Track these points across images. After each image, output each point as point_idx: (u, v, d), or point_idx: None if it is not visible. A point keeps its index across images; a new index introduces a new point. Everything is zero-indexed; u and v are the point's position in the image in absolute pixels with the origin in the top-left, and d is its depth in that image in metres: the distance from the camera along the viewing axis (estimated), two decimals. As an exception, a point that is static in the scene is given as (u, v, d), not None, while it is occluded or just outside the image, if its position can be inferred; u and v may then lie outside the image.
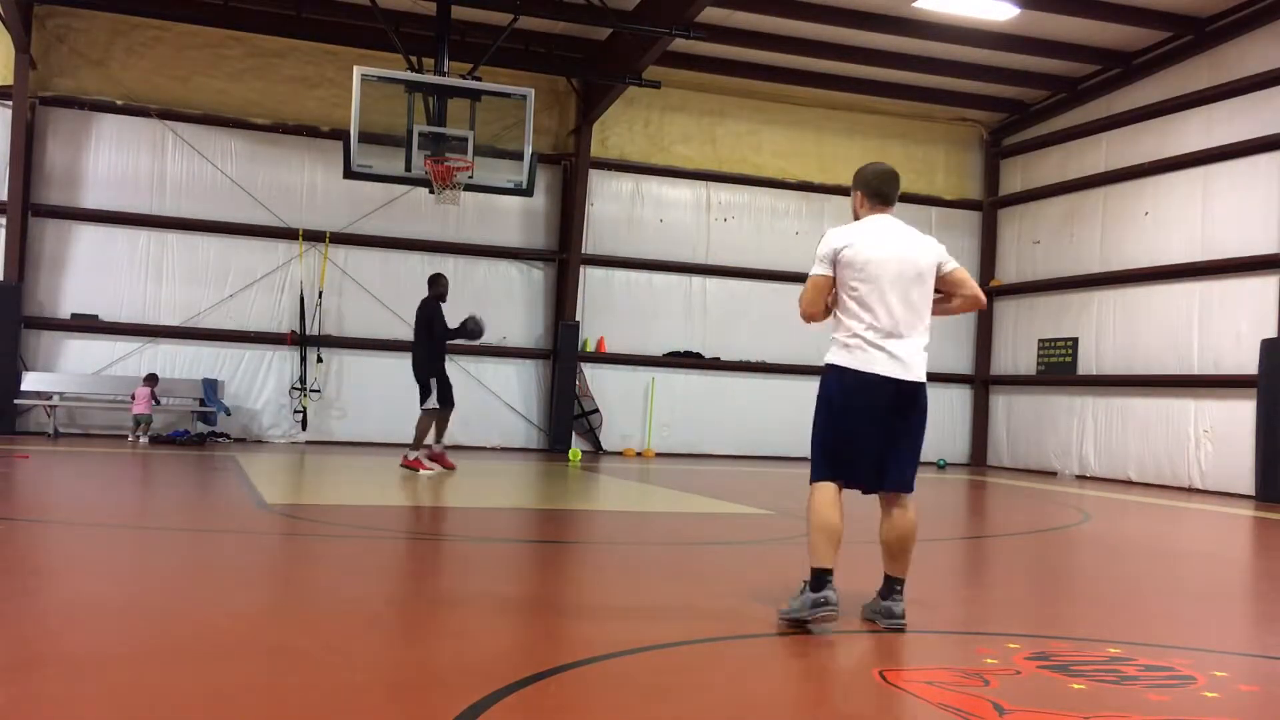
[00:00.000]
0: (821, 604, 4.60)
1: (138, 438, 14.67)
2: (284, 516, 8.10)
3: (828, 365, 4.84)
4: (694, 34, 14.39)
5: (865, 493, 4.97)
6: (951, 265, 4.94)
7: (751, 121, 18.39)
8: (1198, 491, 14.65)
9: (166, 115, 15.92)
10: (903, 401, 4.80)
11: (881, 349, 4.72)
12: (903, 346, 4.76)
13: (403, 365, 15.13)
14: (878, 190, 4.92)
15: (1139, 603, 6.11)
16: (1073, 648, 4.49)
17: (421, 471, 11.59)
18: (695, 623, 4.79)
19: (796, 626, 4.65)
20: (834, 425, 4.80)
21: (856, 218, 4.97)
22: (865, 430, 4.77)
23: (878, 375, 4.72)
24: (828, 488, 4.82)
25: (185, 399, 15.70)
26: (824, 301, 4.86)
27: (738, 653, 4.32)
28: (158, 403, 14.97)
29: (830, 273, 4.79)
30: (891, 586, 4.89)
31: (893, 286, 4.73)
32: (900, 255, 4.77)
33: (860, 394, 4.74)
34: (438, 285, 12.03)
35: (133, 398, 14.83)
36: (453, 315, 12.06)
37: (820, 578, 4.69)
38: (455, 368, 13.13)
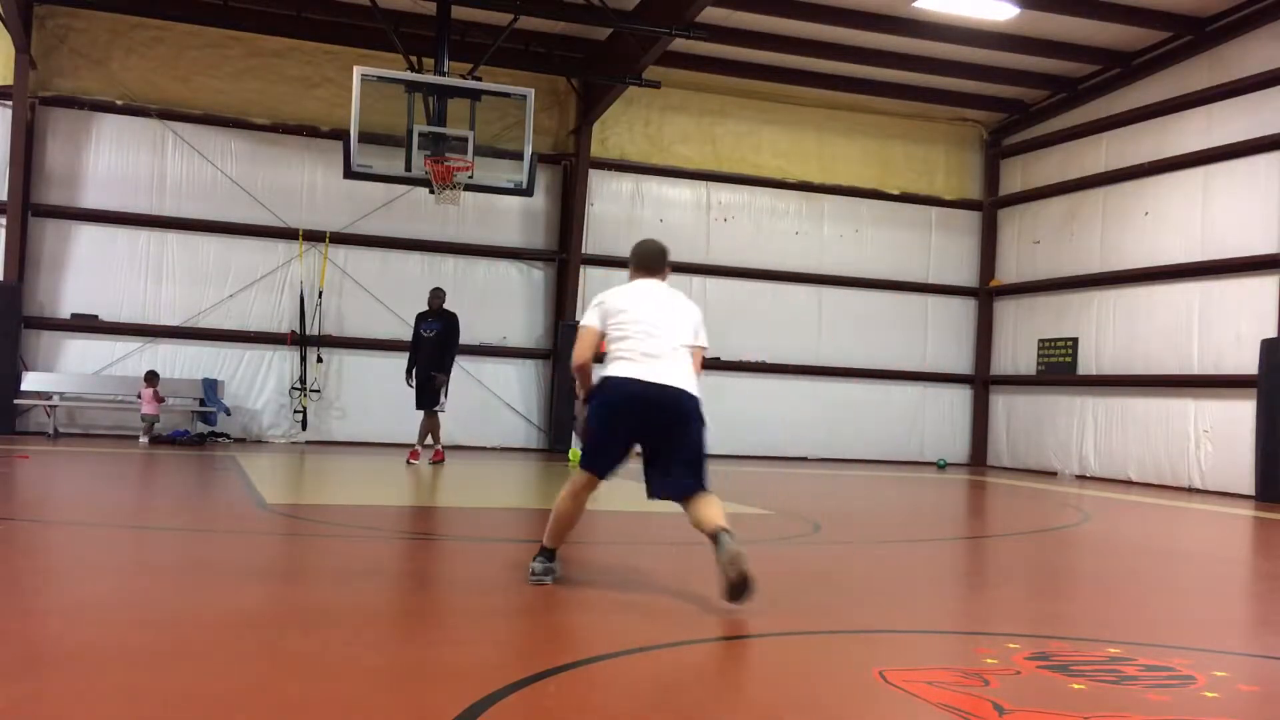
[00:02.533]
0: (540, 574, 5.44)
1: (141, 437, 14.66)
2: (284, 516, 8.10)
3: (599, 378, 5.36)
4: (694, 34, 14.40)
5: (662, 497, 5.33)
6: (701, 340, 5.46)
7: (751, 121, 18.38)
8: (1198, 491, 14.65)
9: (166, 115, 15.91)
10: (666, 408, 5.21)
11: (644, 364, 5.23)
12: (664, 366, 5.23)
13: (402, 366, 15.23)
14: (641, 264, 5.65)
15: (1139, 603, 6.11)
16: (1073, 648, 4.49)
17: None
18: (695, 623, 4.79)
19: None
20: (598, 426, 5.32)
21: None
22: (626, 431, 5.29)
23: (640, 381, 5.20)
24: (581, 477, 5.40)
25: (185, 399, 15.70)
26: (593, 351, 5.45)
27: (737, 653, 4.32)
28: (161, 400, 14.94)
29: (599, 326, 5.41)
30: (721, 534, 4.92)
31: (651, 330, 5.30)
32: (659, 305, 5.42)
33: (623, 399, 5.23)
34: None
35: (139, 397, 14.82)
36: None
37: (546, 553, 5.54)
38: (455, 368, 13.46)
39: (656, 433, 5.24)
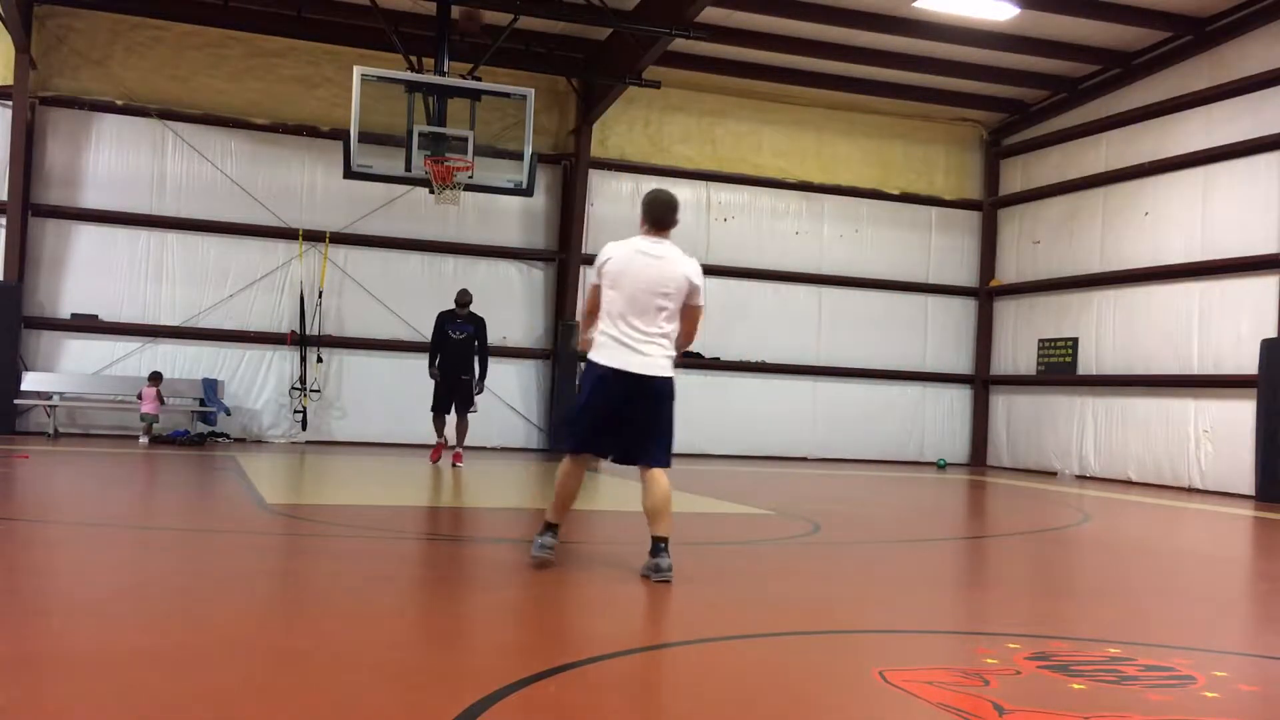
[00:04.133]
0: (540, 547, 5.81)
1: (141, 437, 14.67)
2: (284, 516, 8.10)
3: (587, 359, 5.76)
4: (694, 34, 14.39)
5: (616, 462, 5.87)
6: (696, 302, 5.71)
7: (751, 121, 18.38)
8: (1198, 491, 14.65)
9: (166, 115, 15.91)
10: (639, 392, 5.62)
11: (622, 346, 5.59)
12: (637, 344, 5.59)
13: (402, 366, 15.18)
14: (648, 217, 5.79)
15: (1139, 603, 6.11)
16: (1073, 648, 4.49)
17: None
18: (694, 622, 4.80)
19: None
20: (584, 407, 5.73)
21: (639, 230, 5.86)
22: (607, 413, 5.66)
23: (617, 369, 5.58)
24: (573, 459, 5.82)
25: (185, 399, 15.70)
26: (598, 303, 5.76)
27: (737, 652, 4.32)
28: (163, 401, 14.94)
29: (597, 279, 5.75)
30: (657, 545, 5.60)
31: (632, 297, 5.59)
32: (647, 274, 5.60)
33: (605, 383, 5.62)
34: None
35: (139, 397, 14.82)
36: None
37: (547, 527, 5.87)
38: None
39: (629, 413, 5.65)
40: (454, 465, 12.84)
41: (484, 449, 16.68)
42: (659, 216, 5.74)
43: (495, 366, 17.01)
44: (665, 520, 5.62)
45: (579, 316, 17.35)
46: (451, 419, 12.85)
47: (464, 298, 12.71)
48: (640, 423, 5.66)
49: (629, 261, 5.63)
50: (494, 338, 16.47)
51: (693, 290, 5.66)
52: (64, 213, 15.56)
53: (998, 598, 6.27)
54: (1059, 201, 17.99)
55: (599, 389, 5.63)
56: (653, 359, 5.58)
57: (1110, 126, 16.91)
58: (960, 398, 19.39)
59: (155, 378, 14.82)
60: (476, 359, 12.68)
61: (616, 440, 5.72)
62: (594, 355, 5.68)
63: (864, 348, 18.83)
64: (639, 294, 5.57)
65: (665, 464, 5.72)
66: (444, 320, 12.66)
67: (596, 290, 5.74)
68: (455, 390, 12.60)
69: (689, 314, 5.71)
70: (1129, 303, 16.42)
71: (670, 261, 5.65)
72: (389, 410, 16.30)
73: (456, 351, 12.56)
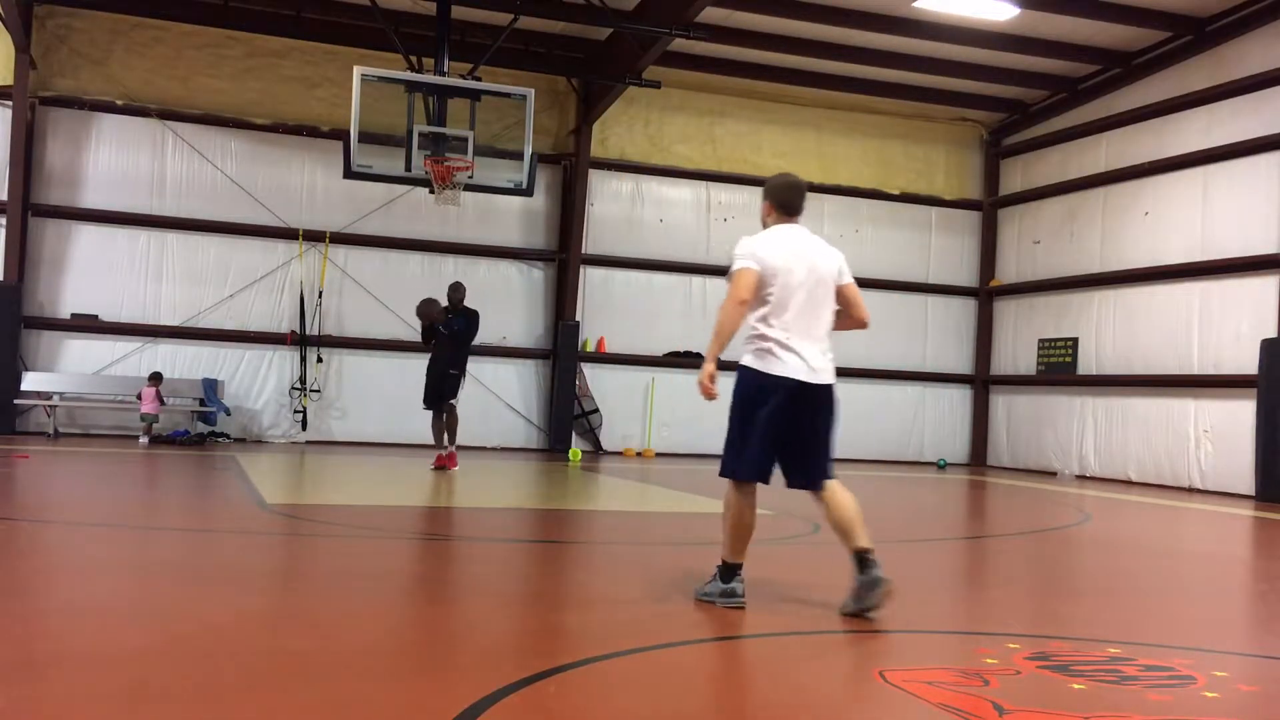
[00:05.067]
0: (730, 595, 5.00)
1: (141, 437, 14.67)
2: (284, 516, 8.10)
3: (742, 367, 5.01)
4: (694, 34, 14.40)
5: (789, 486, 5.11)
6: (847, 279, 5.14)
7: (751, 121, 18.39)
8: (1198, 491, 14.65)
9: (166, 115, 15.92)
10: (812, 403, 4.97)
11: (792, 352, 4.91)
12: (809, 350, 4.94)
13: (402, 366, 15.10)
14: (784, 202, 5.14)
15: (1139, 603, 6.11)
16: (1073, 648, 4.49)
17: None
18: (695, 623, 4.79)
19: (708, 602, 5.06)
20: (750, 425, 4.95)
21: (764, 226, 5.18)
22: (778, 430, 4.93)
23: (788, 378, 4.90)
24: (746, 488, 5.02)
25: (185, 399, 15.70)
26: (753, 295, 4.91)
27: (738, 653, 4.32)
28: (163, 402, 14.95)
29: (758, 267, 4.90)
30: (863, 559, 4.93)
31: (797, 293, 4.93)
32: (806, 262, 4.97)
33: (772, 395, 4.91)
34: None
35: (139, 397, 14.82)
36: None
37: (731, 571, 5.03)
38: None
39: (802, 427, 4.98)
40: (436, 468, 12.15)
41: (484, 449, 16.69)
42: (792, 201, 5.13)
43: (496, 366, 17.14)
44: (863, 528, 4.99)
45: (578, 317, 17.36)
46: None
47: (453, 295, 12.36)
48: (814, 437, 5.00)
49: (789, 252, 4.95)
50: (494, 338, 16.54)
51: (842, 269, 5.12)
52: (64, 213, 15.57)
53: (998, 598, 6.26)
54: (1059, 201, 17.99)
55: (774, 404, 4.89)
56: (826, 365, 4.99)
57: (1110, 126, 16.91)
58: (960, 398, 19.39)
59: (155, 378, 14.83)
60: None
61: (784, 460, 5.02)
62: (756, 364, 4.94)
63: (864, 347, 18.78)
64: (807, 291, 4.94)
65: (833, 473, 5.10)
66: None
67: (756, 278, 4.88)
68: (440, 383, 12.11)
69: (849, 294, 5.09)
70: (1129, 303, 16.42)
71: (821, 249, 5.08)
72: (389, 410, 16.29)
73: (444, 346, 12.20)
